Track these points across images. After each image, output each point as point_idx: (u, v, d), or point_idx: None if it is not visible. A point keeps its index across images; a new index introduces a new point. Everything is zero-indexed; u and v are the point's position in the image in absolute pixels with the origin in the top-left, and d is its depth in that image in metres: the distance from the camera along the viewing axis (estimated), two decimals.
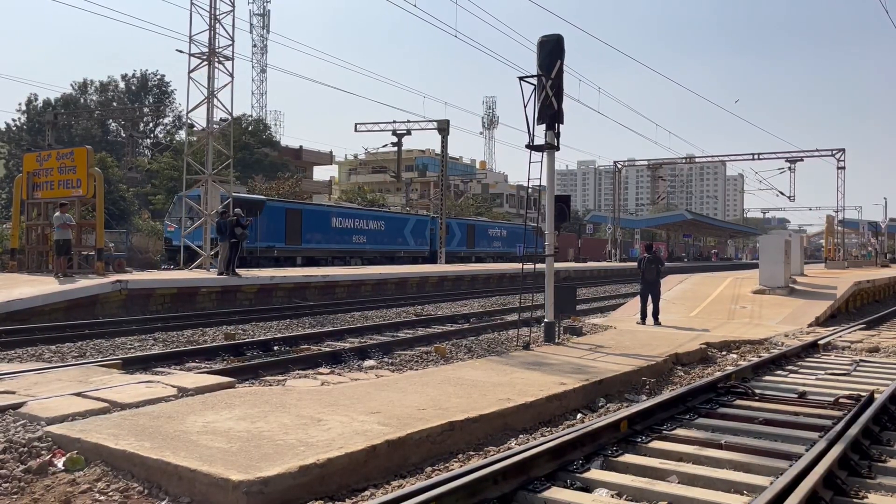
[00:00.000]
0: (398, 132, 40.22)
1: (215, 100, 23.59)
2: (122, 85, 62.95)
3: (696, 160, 56.66)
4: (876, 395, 7.19)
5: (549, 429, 6.66)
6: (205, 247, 23.44)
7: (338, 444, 5.12)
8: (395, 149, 42.30)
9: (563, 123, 11.46)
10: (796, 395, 7.81)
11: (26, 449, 5.17)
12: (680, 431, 6.30)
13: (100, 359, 9.99)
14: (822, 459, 4.97)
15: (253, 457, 4.77)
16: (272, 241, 30.38)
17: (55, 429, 5.43)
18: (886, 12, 21.28)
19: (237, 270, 20.30)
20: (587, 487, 4.90)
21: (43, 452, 5.14)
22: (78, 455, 5.01)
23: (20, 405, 6.12)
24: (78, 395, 6.60)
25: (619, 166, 56.46)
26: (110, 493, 4.59)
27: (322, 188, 66.51)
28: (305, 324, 15.51)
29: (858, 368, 9.78)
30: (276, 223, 30.66)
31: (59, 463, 4.97)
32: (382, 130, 40.60)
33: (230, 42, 23.52)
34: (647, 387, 8.58)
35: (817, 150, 45.03)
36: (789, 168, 45.08)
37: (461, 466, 5.19)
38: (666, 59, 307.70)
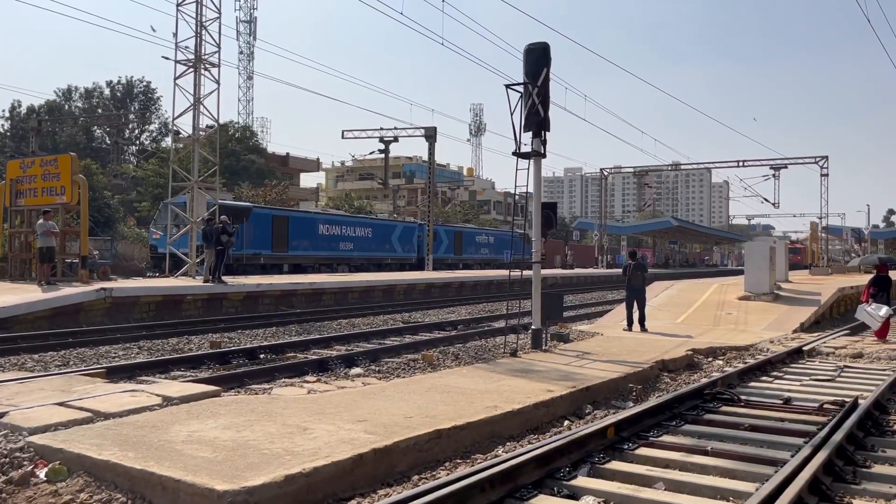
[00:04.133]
0: (385, 139, 40.21)
1: (201, 106, 23.53)
2: (107, 91, 62.71)
3: (682, 167, 56.96)
4: (860, 401, 7.24)
5: (536, 436, 6.66)
6: (191, 254, 23.31)
7: (324, 452, 5.09)
8: (383, 156, 42.25)
9: (549, 131, 11.50)
10: (782, 401, 7.85)
11: (8, 459, 5.10)
12: (666, 438, 6.32)
13: (83, 367, 9.90)
14: (807, 465, 5.00)
15: (238, 466, 4.73)
16: (259, 248, 30.26)
17: (37, 439, 5.36)
18: (868, 21, 21.62)
19: (223, 278, 20.20)
20: (574, 495, 4.89)
21: (25, 463, 5.07)
22: (60, 465, 4.95)
23: (2, 415, 6.04)
24: (61, 404, 6.52)
25: (606, 173, 56.75)
26: None
27: (309, 195, 66.35)
28: (292, 331, 15.44)
29: (843, 374, 9.84)
30: (262, 230, 30.55)
31: (42, 473, 4.90)
32: (370, 137, 40.61)
33: (216, 49, 23.48)
34: (634, 393, 8.60)
35: (801, 158, 45.50)
36: (774, 175, 45.51)
37: (448, 474, 5.17)
38: (651, 67, 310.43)
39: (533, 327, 11.52)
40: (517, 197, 12.10)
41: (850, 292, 21.50)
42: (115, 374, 9.37)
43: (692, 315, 17.39)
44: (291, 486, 4.56)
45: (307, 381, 9.53)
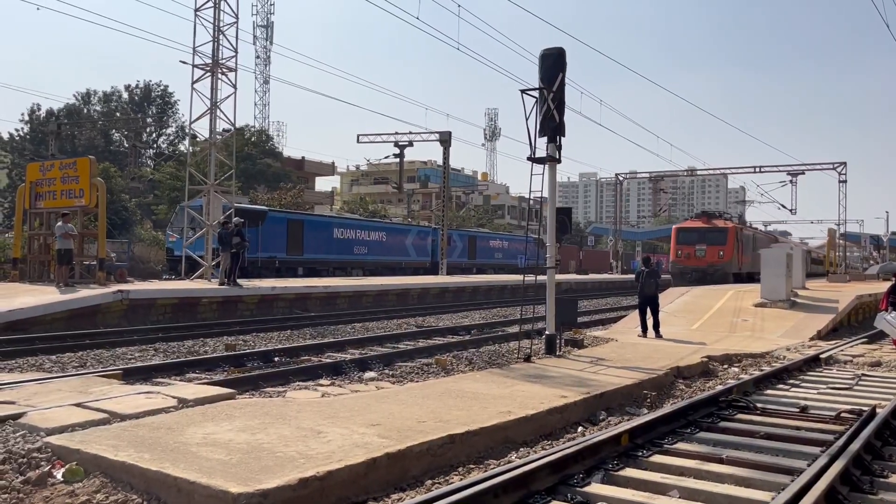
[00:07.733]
0: (400, 143, 40.29)
1: (218, 110, 23.69)
2: (125, 95, 63.20)
3: (698, 173, 56.74)
4: (878, 410, 7.17)
5: (549, 442, 6.64)
6: (206, 257, 23.46)
7: (338, 456, 5.11)
8: (398, 160, 42.35)
9: (564, 136, 11.48)
10: (798, 410, 7.78)
11: (26, 460, 5.16)
12: (681, 445, 6.28)
13: (100, 369, 9.99)
14: (823, 475, 4.95)
15: (252, 469, 4.76)
16: (274, 251, 30.40)
17: (55, 439, 5.42)
18: (887, 26, 21.35)
19: (238, 281, 20.31)
20: (588, 502, 4.87)
21: (42, 463, 5.13)
22: (77, 466, 5.00)
23: (20, 415, 6.11)
24: (78, 405, 6.59)
25: (621, 178, 56.53)
26: None
27: (324, 199, 66.63)
28: (306, 335, 15.49)
29: (860, 383, 9.74)
30: (277, 233, 30.70)
31: (59, 474, 4.96)
32: (385, 142, 40.71)
33: (233, 53, 23.66)
34: (649, 400, 8.56)
35: (819, 164, 45.09)
36: (791, 181, 45.15)
37: (461, 480, 5.17)
38: (667, 72, 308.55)
39: (547, 332, 11.49)
40: (532, 202, 12.09)
41: (868, 300, 21.24)
42: (131, 375, 9.46)
43: (707, 322, 17.27)
44: (305, 490, 4.58)
45: (321, 385, 9.56)
